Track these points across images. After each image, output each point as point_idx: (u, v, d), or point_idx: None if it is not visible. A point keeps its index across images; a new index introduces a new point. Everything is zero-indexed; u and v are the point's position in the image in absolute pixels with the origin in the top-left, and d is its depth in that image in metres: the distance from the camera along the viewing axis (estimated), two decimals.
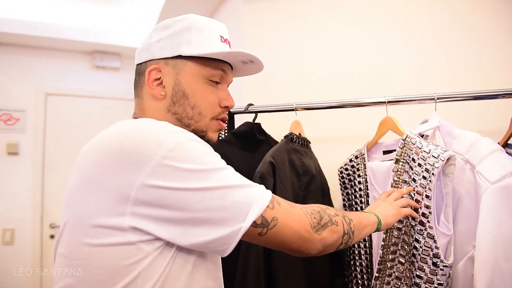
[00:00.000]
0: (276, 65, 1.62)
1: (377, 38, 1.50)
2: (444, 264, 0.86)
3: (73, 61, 2.90)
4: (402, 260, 0.99)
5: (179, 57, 0.72)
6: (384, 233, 1.02)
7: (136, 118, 0.75)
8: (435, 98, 1.07)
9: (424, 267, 0.89)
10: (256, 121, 1.29)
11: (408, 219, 0.97)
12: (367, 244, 1.14)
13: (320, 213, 0.69)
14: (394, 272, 1.01)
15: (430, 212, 0.89)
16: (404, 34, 1.46)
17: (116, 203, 0.57)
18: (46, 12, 2.68)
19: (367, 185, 1.17)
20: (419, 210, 0.92)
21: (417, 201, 0.93)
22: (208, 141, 0.74)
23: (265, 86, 1.60)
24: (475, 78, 1.32)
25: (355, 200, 1.22)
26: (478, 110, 1.25)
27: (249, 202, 0.60)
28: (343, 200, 1.30)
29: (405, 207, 0.93)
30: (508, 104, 1.05)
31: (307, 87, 1.58)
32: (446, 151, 0.89)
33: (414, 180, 0.95)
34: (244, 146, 1.23)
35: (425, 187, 0.91)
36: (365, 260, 1.14)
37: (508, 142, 1.02)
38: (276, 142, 1.33)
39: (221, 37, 0.75)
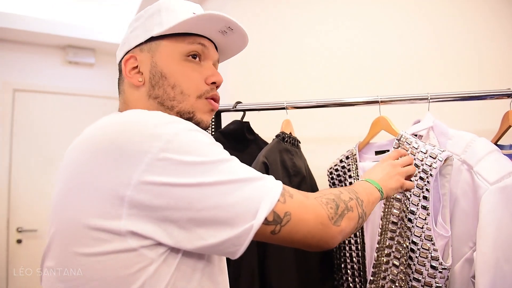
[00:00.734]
0: (265, 62, 1.58)
1: (370, 36, 1.49)
2: (442, 267, 0.84)
3: (44, 56, 2.76)
4: (397, 263, 0.97)
5: (152, 39, 0.69)
6: (378, 235, 1.00)
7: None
8: (429, 98, 1.06)
9: (422, 270, 0.87)
10: (244, 120, 1.24)
11: (403, 221, 0.96)
12: (359, 247, 1.12)
13: (336, 201, 0.63)
14: (388, 275, 0.99)
15: (428, 214, 0.88)
16: (397, 34, 1.45)
17: (110, 205, 0.51)
18: (15, 2, 2.52)
19: None
20: (415, 211, 0.91)
21: (414, 202, 0.91)
22: (198, 123, 0.69)
23: (254, 84, 1.56)
24: (469, 78, 1.33)
25: None
26: (470, 110, 1.25)
27: (258, 196, 0.54)
28: None
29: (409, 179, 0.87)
30: (499, 104, 1.05)
31: (298, 85, 1.56)
32: (443, 151, 0.87)
33: (410, 181, 0.93)
34: (232, 146, 1.18)
35: (422, 188, 0.89)
36: (357, 263, 1.11)
37: (498, 142, 1.03)
38: (265, 142, 1.29)
39: (194, 14, 0.70)
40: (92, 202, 0.52)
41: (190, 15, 0.67)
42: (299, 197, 0.59)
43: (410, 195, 0.92)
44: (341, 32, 1.53)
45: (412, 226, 0.91)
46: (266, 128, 1.32)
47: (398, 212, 0.98)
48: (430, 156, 0.89)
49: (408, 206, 0.93)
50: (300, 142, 1.23)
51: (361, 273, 1.09)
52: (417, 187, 0.91)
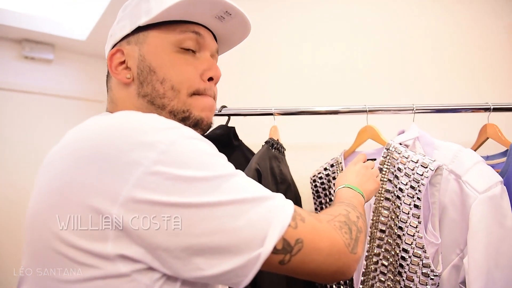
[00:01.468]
0: (252, 66, 1.57)
1: (359, 47, 1.53)
2: (434, 274, 0.86)
3: None
4: (384, 271, 0.99)
5: (139, 30, 0.61)
6: (367, 243, 1.01)
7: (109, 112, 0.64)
8: (414, 109, 1.09)
9: (414, 277, 0.89)
10: (229, 125, 1.21)
11: (392, 229, 0.97)
12: None
13: (348, 224, 0.57)
14: (376, 282, 1.00)
15: (419, 222, 0.90)
16: (385, 46, 1.50)
17: (94, 225, 0.43)
18: None
19: None
20: (406, 220, 0.93)
21: (404, 211, 0.93)
22: (197, 122, 0.61)
23: (239, 88, 1.54)
24: (451, 91, 1.41)
25: None
26: (450, 122, 1.32)
27: (267, 219, 0.46)
28: (316, 209, 1.28)
29: None
30: (478, 117, 1.11)
31: (284, 91, 1.55)
32: (434, 161, 0.90)
33: (400, 189, 0.95)
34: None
35: (413, 197, 0.92)
36: None
37: None
38: (248, 148, 1.27)
39: None
40: (74, 222, 0.44)
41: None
42: (311, 221, 0.51)
43: (401, 203, 0.94)
44: (331, 41, 1.55)
45: (403, 234, 0.92)
46: (249, 134, 1.30)
47: (386, 220, 0.99)
48: (421, 165, 0.91)
49: (398, 214, 0.95)
50: (285, 149, 1.23)
51: (348, 281, 1.09)
52: (408, 195, 0.93)
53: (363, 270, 1.00)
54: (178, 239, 0.43)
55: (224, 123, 1.21)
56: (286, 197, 1.16)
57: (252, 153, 1.25)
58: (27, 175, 2.29)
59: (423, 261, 0.88)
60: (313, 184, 1.26)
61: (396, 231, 0.95)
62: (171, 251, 0.44)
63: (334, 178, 1.19)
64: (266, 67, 1.58)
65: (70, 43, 2.64)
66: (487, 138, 1.08)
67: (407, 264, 0.91)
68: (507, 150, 1.03)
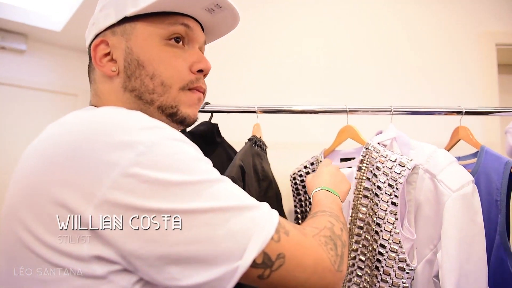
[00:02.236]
0: (236, 63, 1.57)
1: (340, 48, 1.57)
2: (409, 268, 0.90)
3: None
4: (362, 266, 1.02)
5: (126, 20, 0.58)
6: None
7: (93, 106, 0.62)
8: (392, 110, 1.14)
9: (390, 272, 0.93)
10: (212, 122, 1.22)
11: (370, 225, 1.01)
12: None
13: (333, 238, 0.54)
14: (353, 277, 1.03)
15: (396, 218, 0.94)
16: (366, 49, 1.55)
17: (70, 225, 0.42)
18: None
19: None
20: (384, 216, 0.96)
21: (382, 208, 0.97)
22: (184, 119, 0.60)
23: (222, 85, 1.54)
24: (425, 95, 1.47)
25: (309, 206, 1.23)
26: (425, 123, 1.38)
27: (249, 230, 0.44)
28: (295, 206, 1.30)
29: None
30: (451, 120, 1.16)
31: (267, 90, 1.57)
32: (411, 160, 0.94)
33: (379, 187, 0.98)
34: (201, 148, 1.14)
35: (391, 195, 0.95)
36: None
37: None
38: (230, 145, 1.28)
39: None
40: (48, 222, 0.42)
41: None
42: (296, 235, 0.48)
43: (379, 201, 0.98)
44: (313, 40, 1.59)
45: (381, 230, 0.96)
46: (232, 131, 1.30)
47: (364, 217, 1.03)
48: (399, 164, 0.95)
49: (376, 211, 0.98)
50: (267, 147, 1.24)
51: None
52: (386, 193, 0.96)
53: None
54: (152, 247, 0.41)
55: (207, 119, 1.22)
56: (268, 194, 1.19)
57: (234, 150, 1.26)
58: None
59: (399, 256, 0.92)
60: (293, 181, 1.28)
61: (374, 227, 0.99)
62: (145, 259, 0.42)
63: None
64: (249, 64, 1.59)
65: (44, 33, 2.55)
66: (459, 139, 1.14)
67: (384, 259, 0.94)
68: (477, 151, 1.09)
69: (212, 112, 1.21)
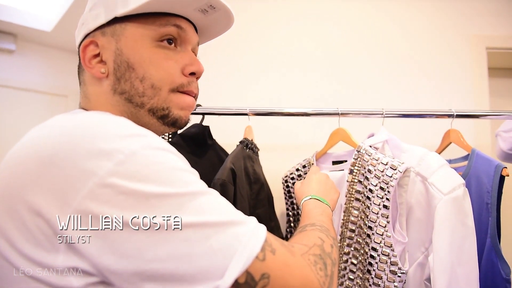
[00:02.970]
0: (228, 66, 1.57)
1: (333, 50, 1.57)
2: (401, 271, 0.90)
3: None
4: (354, 269, 1.02)
5: (116, 20, 0.57)
6: (338, 242, 1.04)
7: (81, 108, 0.61)
8: (383, 113, 1.14)
9: (382, 275, 0.92)
10: (204, 124, 1.20)
11: (362, 229, 1.00)
12: None
13: (322, 257, 0.51)
14: (345, 280, 1.03)
15: (388, 222, 0.93)
16: (358, 53, 1.55)
17: (43, 235, 0.40)
18: None
19: None
20: (376, 219, 0.96)
21: (374, 211, 0.97)
22: (175, 120, 0.59)
23: (214, 87, 1.53)
24: (418, 97, 1.47)
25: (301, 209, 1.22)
26: (417, 126, 1.38)
27: (231, 249, 0.41)
28: (287, 209, 1.29)
29: None
30: (442, 123, 1.17)
31: (259, 92, 1.57)
32: (403, 163, 0.94)
33: (371, 190, 0.98)
34: (192, 150, 1.13)
35: (383, 198, 0.95)
36: None
37: None
38: (221, 148, 1.27)
39: None
40: (22, 228, 0.40)
41: None
42: (283, 253, 0.46)
43: (370, 204, 0.98)
44: (306, 43, 1.59)
45: (372, 233, 0.96)
46: (224, 133, 1.29)
47: (356, 220, 1.02)
48: (390, 167, 0.95)
49: (368, 214, 0.98)
50: (259, 149, 1.23)
51: None
52: (377, 196, 0.96)
53: None
54: (127, 262, 0.39)
55: (198, 121, 1.20)
56: (259, 197, 1.18)
57: (225, 153, 1.25)
58: None
59: (391, 259, 0.91)
60: (285, 184, 1.27)
61: (365, 230, 0.98)
62: (120, 274, 0.40)
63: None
64: (241, 66, 1.58)
65: (34, 33, 2.52)
66: (450, 142, 1.14)
67: (376, 262, 0.94)
68: (468, 154, 1.09)
69: (203, 114, 1.20)
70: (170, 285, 0.40)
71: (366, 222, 0.98)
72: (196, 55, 0.65)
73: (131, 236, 0.39)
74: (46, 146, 0.42)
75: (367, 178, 1.00)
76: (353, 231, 1.03)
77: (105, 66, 0.57)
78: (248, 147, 1.12)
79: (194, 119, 1.21)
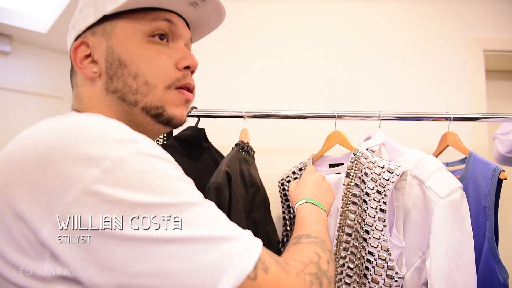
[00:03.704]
0: (223, 67, 1.56)
1: (331, 52, 1.57)
2: (398, 276, 0.89)
3: None
4: (350, 273, 1.01)
5: (106, 19, 0.56)
6: (334, 246, 1.03)
7: (75, 111, 0.59)
8: (380, 116, 1.13)
9: (379, 280, 0.91)
10: (199, 127, 1.19)
11: (358, 232, 0.99)
12: None
13: (318, 276, 0.48)
14: (342, 285, 1.02)
15: (385, 225, 0.92)
16: (354, 55, 1.55)
17: (28, 242, 0.38)
18: None
19: None
20: (373, 223, 0.95)
21: (371, 215, 0.96)
22: (170, 119, 0.57)
23: (210, 89, 1.52)
24: (413, 100, 1.47)
25: None
26: (413, 129, 1.37)
27: (221, 267, 0.39)
28: (283, 212, 1.28)
29: None
30: (439, 125, 1.16)
31: (255, 95, 1.56)
32: (399, 166, 0.93)
33: (367, 194, 0.97)
34: (187, 153, 1.12)
35: (379, 201, 0.94)
36: None
37: None
38: (217, 151, 1.25)
39: None
40: (7, 234, 0.39)
41: None
42: (276, 272, 0.43)
43: (367, 207, 0.97)
44: (302, 46, 1.58)
45: (369, 237, 0.95)
46: (219, 136, 1.28)
47: (353, 224, 1.01)
48: (387, 171, 0.94)
49: (364, 218, 0.97)
50: (255, 152, 1.22)
51: None
52: (374, 200, 0.95)
53: None
54: (111, 276, 0.37)
55: (193, 124, 1.19)
56: (255, 200, 1.17)
57: (221, 155, 1.23)
58: None
59: (388, 264, 0.90)
60: (281, 187, 1.26)
61: (362, 234, 0.97)
62: (102, 287, 0.38)
63: None
64: (237, 69, 1.57)
65: (30, 35, 2.50)
66: (448, 145, 1.13)
67: (373, 267, 0.93)
68: (465, 157, 1.08)
69: (199, 116, 1.19)
70: None
71: (363, 226, 0.97)
72: (190, 51, 0.64)
73: (116, 248, 0.37)
74: (32, 150, 0.41)
75: (363, 182, 0.99)
76: (349, 235, 1.02)
77: (97, 65, 0.56)
78: (243, 150, 1.11)
79: (190, 122, 1.20)
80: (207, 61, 1.53)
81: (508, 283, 0.91)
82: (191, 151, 1.14)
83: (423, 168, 0.96)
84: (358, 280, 0.98)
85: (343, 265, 1.02)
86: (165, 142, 1.14)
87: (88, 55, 0.57)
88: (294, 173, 1.23)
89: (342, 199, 1.04)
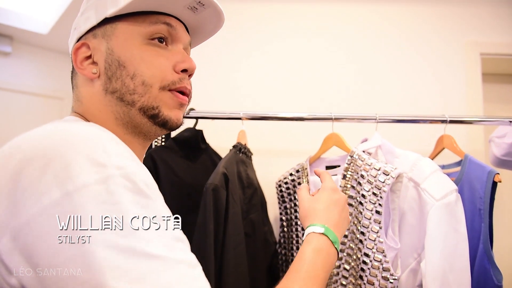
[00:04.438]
0: (222, 69, 1.57)
1: (328, 54, 1.58)
2: (393, 277, 0.89)
3: None
4: (346, 275, 1.01)
5: (107, 21, 0.57)
6: None
7: (74, 113, 0.60)
8: (377, 118, 1.14)
9: (374, 281, 0.92)
10: (197, 128, 1.20)
11: (354, 234, 1.00)
12: None
13: None
14: (337, 286, 1.02)
15: (380, 227, 0.93)
16: (351, 58, 1.56)
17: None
18: None
19: None
20: (368, 225, 0.96)
21: (366, 217, 0.96)
22: (166, 121, 0.57)
23: (208, 91, 1.53)
24: (408, 103, 1.48)
25: (295, 214, 1.22)
26: (410, 132, 1.38)
27: None
28: (280, 214, 1.29)
29: None
30: (435, 128, 1.17)
31: (253, 97, 1.57)
32: (395, 169, 0.94)
33: (363, 196, 0.98)
34: (185, 154, 1.13)
35: (375, 203, 0.95)
36: None
37: None
38: (215, 152, 1.26)
39: None
40: None
41: None
42: None
43: (363, 209, 0.97)
44: (299, 48, 1.59)
45: (365, 239, 0.95)
46: (217, 137, 1.29)
47: (349, 226, 1.02)
48: (383, 173, 0.95)
49: (360, 220, 0.98)
50: (252, 154, 1.23)
51: None
52: (370, 202, 0.96)
53: None
54: None
55: (191, 125, 1.20)
56: (252, 202, 1.18)
57: (219, 157, 1.24)
58: None
59: (383, 265, 0.91)
60: (279, 189, 1.27)
61: (358, 236, 0.98)
62: None
63: (299, 183, 1.21)
64: (235, 71, 1.58)
65: (30, 36, 2.51)
66: (443, 148, 1.14)
67: (368, 268, 0.94)
68: (461, 160, 1.09)
69: (197, 118, 1.20)
70: None
71: (359, 228, 0.98)
72: (189, 55, 0.65)
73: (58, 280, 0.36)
74: (11, 162, 0.40)
75: (359, 184, 1.00)
76: (345, 236, 1.03)
77: (96, 66, 0.57)
78: (241, 152, 1.12)
79: (188, 123, 1.21)
80: (206, 62, 1.54)
81: (502, 285, 0.92)
82: (189, 152, 1.15)
83: (419, 171, 0.97)
84: (353, 281, 0.99)
85: (339, 266, 1.03)
86: (163, 143, 1.15)
87: (89, 57, 0.58)
88: (291, 174, 1.23)
89: None
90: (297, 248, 1.18)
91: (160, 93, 0.56)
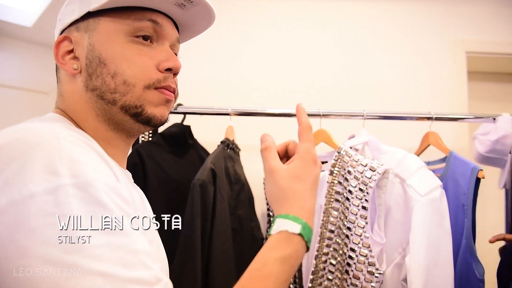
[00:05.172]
0: (209, 65, 1.56)
1: (316, 51, 1.58)
2: (378, 272, 0.91)
3: None
4: (332, 269, 1.02)
5: (90, 15, 0.55)
6: (317, 243, 1.04)
7: (57, 109, 0.58)
8: (364, 115, 1.15)
9: (360, 276, 0.93)
10: (185, 124, 1.19)
11: (341, 229, 1.01)
12: None
13: None
14: (324, 281, 1.03)
15: (366, 223, 0.94)
16: (339, 55, 1.56)
17: None
18: None
19: None
20: (354, 220, 0.96)
21: (353, 212, 0.97)
22: (150, 119, 0.55)
23: (196, 86, 1.52)
24: (398, 99, 1.49)
25: None
26: (393, 128, 1.40)
27: None
28: (268, 209, 1.29)
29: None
30: (421, 125, 1.18)
31: (241, 93, 1.56)
32: (382, 165, 0.95)
33: (350, 191, 0.99)
34: (173, 150, 1.12)
35: (362, 199, 0.96)
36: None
37: None
38: (203, 148, 1.26)
39: None
40: None
41: None
42: None
43: (350, 205, 0.98)
44: (288, 45, 1.59)
45: (351, 234, 0.96)
46: (205, 133, 1.29)
47: (335, 221, 1.03)
48: (370, 169, 0.95)
49: (347, 215, 0.98)
50: (240, 150, 1.23)
51: (297, 280, 1.12)
52: (356, 197, 0.97)
53: (313, 269, 1.03)
54: None
55: (179, 121, 1.19)
56: (240, 198, 1.18)
57: (207, 152, 1.24)
58: None
59: (369, 260, 0.92)
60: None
61: (344, 231, 0.99)
62: None
63: None
64: (224, 66, 1.58)
65: (14, 28, 2.45)
66: (429, 144, 1.16)
67: (354, 263, 0.95)
68: (446, 156, 1.11)
69: (184, 113, 1.20)
70: None
71: (345, 223, 0.98)
72: (177, 52, 0.63)
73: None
74: None
75: (346, 179, 1.01)
76: (332, 231, 1.03)
77: (78, 62, 0.55)
78: (229, 147, 1.12)
79: (175, 119, 1.20)
80: (194, 58, 1.53)
81: (484, 279, 0.94)
82: (177, 148, 1.14)
83: (405, 167, 0.98)
84: (340, 276, 1.00)
85: (325, 261, 1.03)
86: (150, 138, 1.14)
87: (71, 51, 0.56)
88: None
89: (325, 197, 1.05)
90: None
91: (144, 92, 0.54)
